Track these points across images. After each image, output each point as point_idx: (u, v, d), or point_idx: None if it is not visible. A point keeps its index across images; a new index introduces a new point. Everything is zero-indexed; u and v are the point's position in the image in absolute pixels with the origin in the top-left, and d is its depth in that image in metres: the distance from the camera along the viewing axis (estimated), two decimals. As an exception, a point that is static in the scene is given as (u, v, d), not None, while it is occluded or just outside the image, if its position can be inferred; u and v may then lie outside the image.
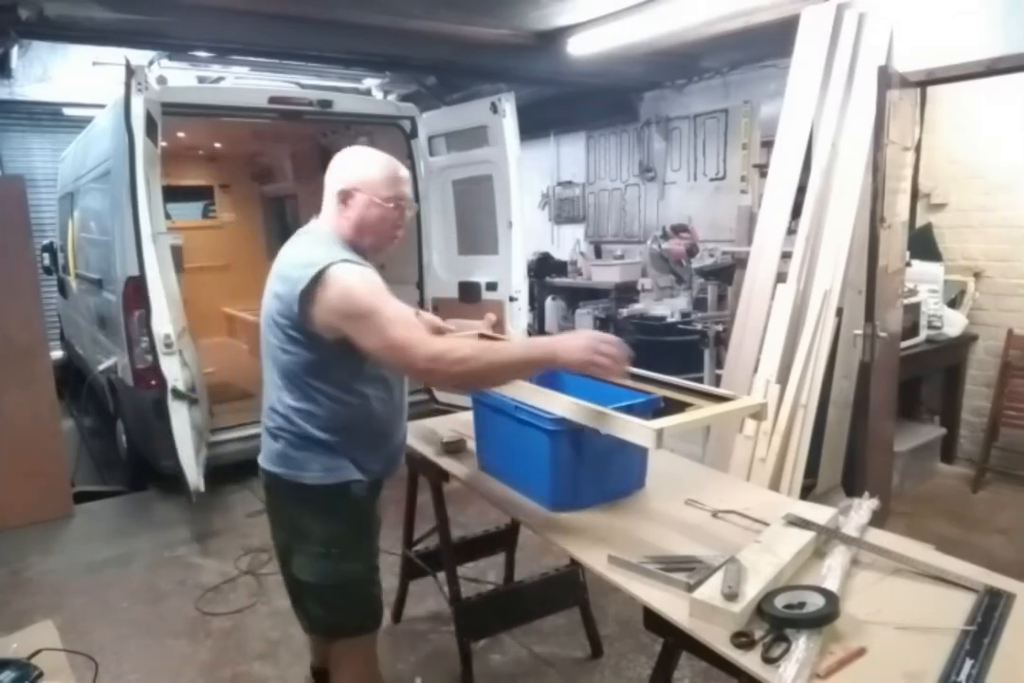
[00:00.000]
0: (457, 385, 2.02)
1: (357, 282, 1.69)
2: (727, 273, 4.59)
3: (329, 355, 1.76)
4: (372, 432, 1.91)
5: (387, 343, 1.64)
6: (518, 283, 4.66)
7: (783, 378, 3.39)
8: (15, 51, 5.40)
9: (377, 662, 2.08)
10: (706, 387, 1.83)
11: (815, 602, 1.37)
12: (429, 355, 1.62)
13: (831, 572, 1.51)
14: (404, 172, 1.91)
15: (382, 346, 1.66)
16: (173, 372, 3.52)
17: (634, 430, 1.62)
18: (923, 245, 4.40)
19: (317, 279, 1.67)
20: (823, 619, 1.33)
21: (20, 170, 6.63)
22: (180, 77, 5.24)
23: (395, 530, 2.86)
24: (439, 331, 2.23)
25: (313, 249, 1.78)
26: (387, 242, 1.91)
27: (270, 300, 1.81)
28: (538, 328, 5.76)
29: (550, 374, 2.25)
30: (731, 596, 1.39)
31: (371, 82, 6.18)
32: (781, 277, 3.53)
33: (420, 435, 2.53)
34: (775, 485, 3.30)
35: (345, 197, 1.84)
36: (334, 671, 2.06)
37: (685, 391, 1.91)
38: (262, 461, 1.94)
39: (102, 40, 4.59)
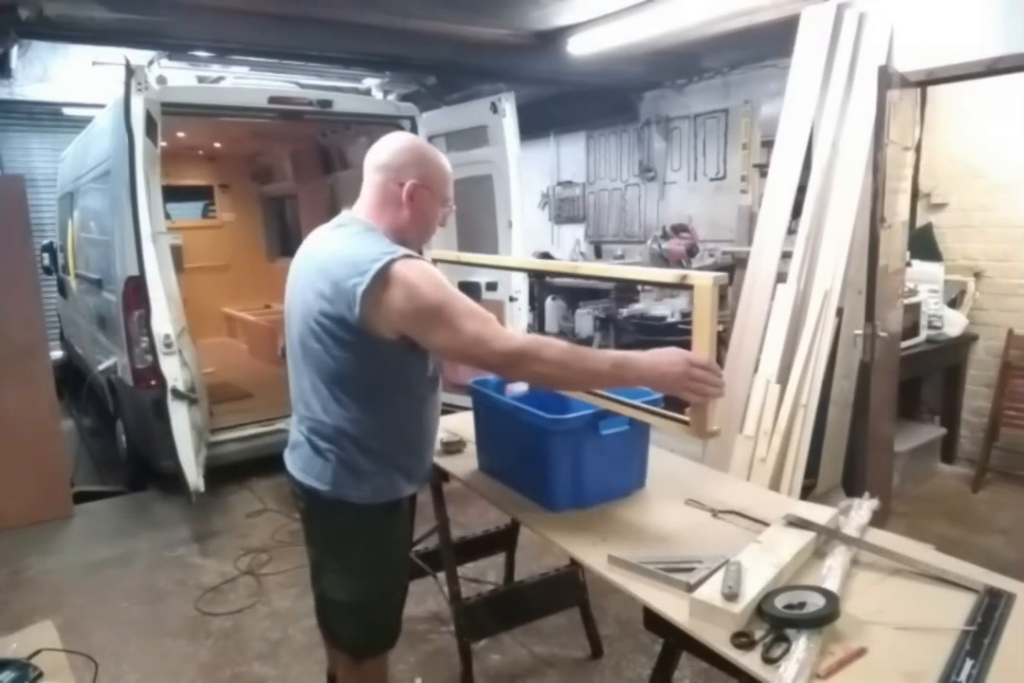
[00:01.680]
0: (532, 383, 1.97)
1: (422, 277, 1.59)
2: (727, 273, 4.58)
3: (388, 357, 1.67)
4: (423, 436, 1.86)
5: (462, 338, 1.56)
6: (518, 283, 4.66)
7: (783, 378, 3.39)
8: (15, 51, 5.41)
9: (387, 677, 2.06)
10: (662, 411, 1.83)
11: (815, 602, 1.37)
12: (509, 350, 1.55)
13: (831, 572, 1.51)
14: (450, 169, 1.88)
15: (456, 342, 1.58)
16: (173, 372, 3.51)
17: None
18: (923, 245, 4.40)
19: (379, 276, 1.56)
20: (823, 619, 1.33)
21: (20, 170, 6.64)
22: (180, 77, 5.24)
23: (395, 530, 2.85)
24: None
25: (363, 244, 1.66)
26: (428, 239, 1.89)
27: (313, 301, 1.67)
28: (538, 328, 5.76)
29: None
30: (731, 596, 1.39)
31: (371, 82, 6.19)
32: (781, 277, 3.53)
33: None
34: (775, 485, 3.30)
35: (413, 191, 1.74)
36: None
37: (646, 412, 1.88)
38: (300, 474, 1.80)
39: (102, 40, 4.59)
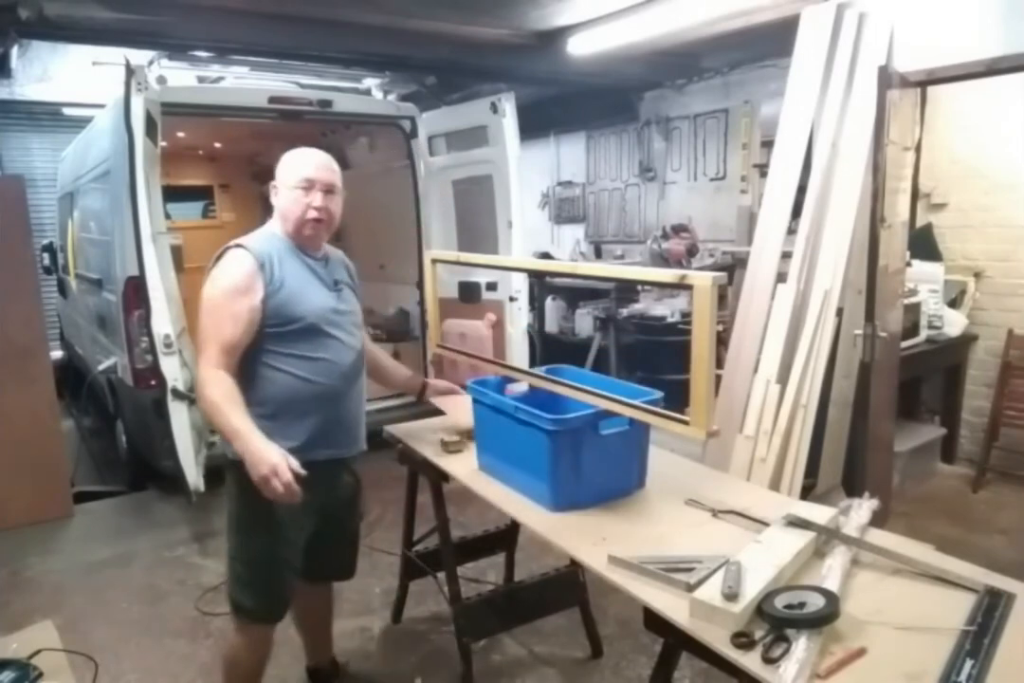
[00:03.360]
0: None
1: (219, 271, 1.96)
2: (727, 273, 4.58)
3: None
4: (287, 403, 2.03)
5: (199, 339, 1.93)
6: (518, 283, 4.65)
7: (783, 378, 3.39)
8: (15, 51, 5.39)
9: (261, 655, 2.20)
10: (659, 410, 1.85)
11: (815, 602, 1.37)
12: (196, 373, 1.91)
13: (831, 572, 1.51)
14: (309, 157, 2.07)
15: (197, 340, 1.94)
16: (173, 372, 3.51)
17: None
18: (923, 245, 4.40)
19: (219, 257, 1.99)
20: (823, 619, 1.33)
21: (20, 170, 6.63)
22: (180, 77, 5.23)
23: (395, 530, 2.86)
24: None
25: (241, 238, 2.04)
26: (308, 226, 2.03)
27: None
28: (538, 328, 5.75)
29: (554, 369, 2.31)
30: (731, 596, 1.39)
31: (371, 82, 6.17)
32: (781, 277, 3.53)
33: (420, 435, 2.53)
34: (775, 485, 3.30)
35: (274, 192, 2.07)
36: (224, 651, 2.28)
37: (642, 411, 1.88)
38: None
39: (102, 40, 4.59)
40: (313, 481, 1.93)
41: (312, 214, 2.01)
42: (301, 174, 2.02)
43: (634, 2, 4.10)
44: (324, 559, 2.28)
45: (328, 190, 2.04)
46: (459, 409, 2.47)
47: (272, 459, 1.76)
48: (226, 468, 2.05)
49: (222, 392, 1.86)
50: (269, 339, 1.97)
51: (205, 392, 1.87)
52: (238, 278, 1.93)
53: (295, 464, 1.78)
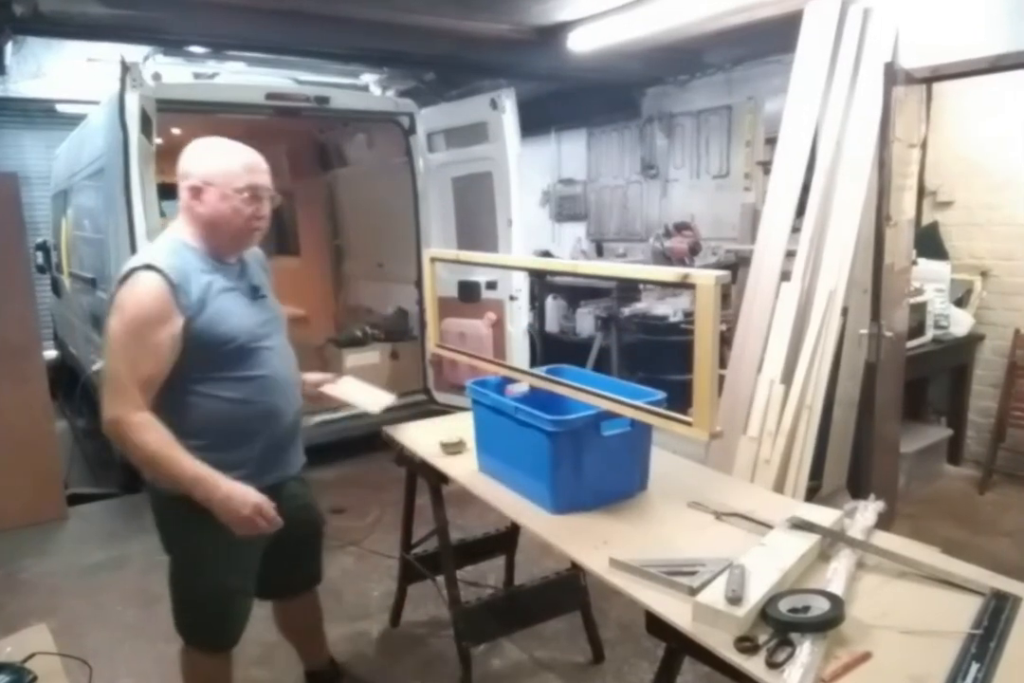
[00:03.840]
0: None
1: (138, 301, 1.70)
2: (730, 271, 4.55)
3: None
4: (190, 429, 1.85)
5: (108, 377, 1.73)
6: (518, 282, 4.63)
7: (788, 378, 3.36)
8: (9, 47, 5.36)
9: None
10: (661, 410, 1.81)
11: (820, 606, 1.36)
12: (114, 416, 1.68)
13: (836, 575, 1.50)
14: (248, 157, 1.84)
15: (105, 377, 1.74)
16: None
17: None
18: (929, 243, 4.37)
19: (119, 284, 1.73)
20: (828, 623, 1.33)
21: (13, 167, 6.56)
22: (175, 73, 5.22)
23: (393, 533, 2.83)
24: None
25: (143, 251, 1.83)
26: (247, 235, 1.86)
27: None
28: (539, 327, 5.72)
29: (555, 369, 2.28)
30: (735, 600, 1.38)
31: (369, 78, 6.16)
32: (785, 276, 3.50)
33: (419, 437, 2.50)
34: (779, 487, 3.27)
35: (196, 193, 1.79)
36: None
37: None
38: None
39: (97, 36, 4.56)
40: None
41: (256, 224, 1.84)
42: (246, 179, 1.79)
43: (635, -3, 4.07)
44: (287, 575, 2.20)
45: (270, 196, 1.86)
46: (352, 390, 2.32)
47: (252, 499, 1.72)
48: (160, 506, 1.94)
49: (158, 439, 1.69)
50: (196, 365, 1.76)
51: (137, 442, 1.68)
52: (151, 307, 1.68)
53: (265, 500, 1.75)
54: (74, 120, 5.61)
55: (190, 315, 1.72)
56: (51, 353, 6.30)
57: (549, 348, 5.50)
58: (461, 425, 2.42)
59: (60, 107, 6.81)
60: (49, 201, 6.69)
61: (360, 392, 2.33)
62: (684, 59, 5.50)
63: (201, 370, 1.78)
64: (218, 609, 1.98)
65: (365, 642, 2.89)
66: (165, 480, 1.78)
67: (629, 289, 5.80)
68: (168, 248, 1.80)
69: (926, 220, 4.47)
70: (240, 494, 1.72)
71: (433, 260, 2.68)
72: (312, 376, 2.25)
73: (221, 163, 1.79)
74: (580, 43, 4.68)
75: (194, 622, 2.00)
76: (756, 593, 1.40)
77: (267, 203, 1.85)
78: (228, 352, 1.79)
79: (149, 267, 1.70)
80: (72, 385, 5.28)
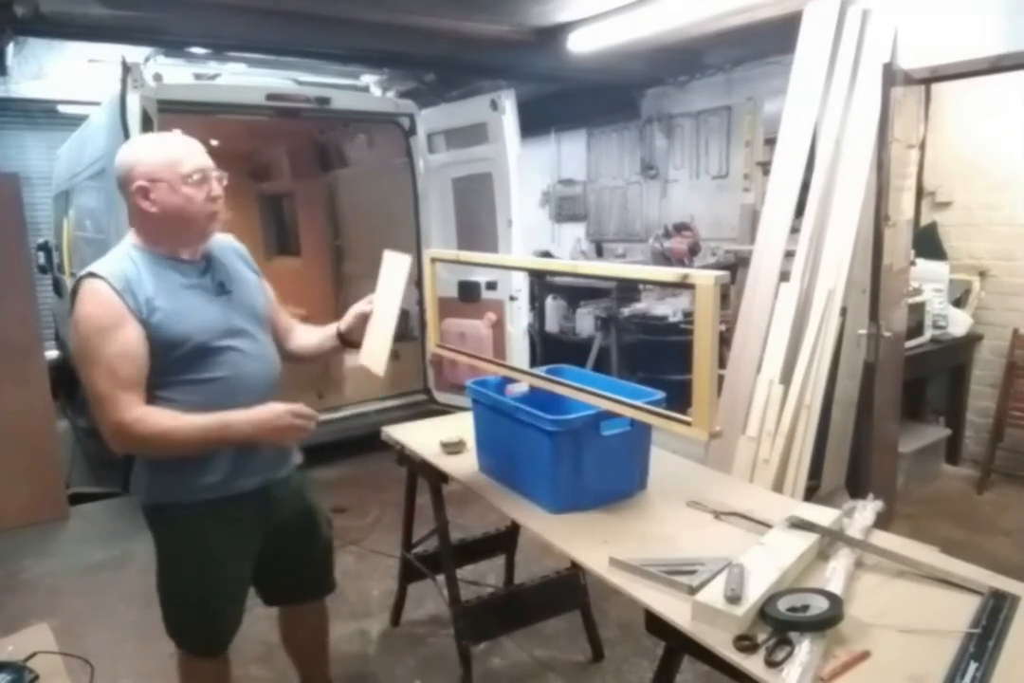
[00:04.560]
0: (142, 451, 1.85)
1: (86, 312, 1.66)
2: (730, 272, 4.56)
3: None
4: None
5: (92, 394, 1.67)
6: (518, 282, 4.63)
7: (787, 378, 3.36)
8: (10, 48, 5.36)
9: None
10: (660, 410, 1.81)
11: (819, 605, 1.36)
12: (111, 425, 1.65)
13: (835, 575, 1.50)
14: (182, 143, 1.77)
15: (90, 395, 1.68)
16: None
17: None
18: (928, 244, 4.37)
19: (71, 297, 1.70)
20: (827, 622, 1.32)
21: (15, 168, 6.56)
22: (176, 74, 5.22)
23: (394, 533, 2.84)
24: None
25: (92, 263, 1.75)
26: (206, 221, 1.77)
27: None
28: (539, 327, 5.73)
29: (554, 369, 2.27)
30: (734, 599, 1.38)
31: (369, 78, 6.16)
32: (784, 276, 3.50)
33: (419, 436, 2.50)
34: (778, 486, 3.28)
35: (145, 193, 1.71)
36: None
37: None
38: None
39: (98, 37, 4.56)
40: (249, 512, 1.89)
41: (213, 207, 1.76)
42: (190, 164, 1.71)
43: (635, -2, 4.07)
44: (292, 581, 2.15)
45: (217, 177, 1.77)
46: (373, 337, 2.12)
47: (280, 408, 1.69)
48: (144, 513, 1.92)
49: (159, 419, 1.67)
50: (155, 368, 1.71)
51: (145, 434, 1.65)
52: (99, 314, 1.65)
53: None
54: (75, 121, 5.61)
55: (141, 318, 1.68)
56: (52, 353, 6.29)
57: (549, 348, 5.52)
58: (461, 425, 2.42)
59: (61, 108, 6.80)
60: (51, 202, 6.68)
61: (376, 343, 2.10)
62: (684, 60, 5.50)
63: (161, 373, 1.73)
64: (201, 615, 1.94)
65: (366, 641, 2.90)
66: (198, 448, 1.74)
67: (629, 289, 5.80)
68: (114, 255, 1.76)
69: (925, 220, 4.48)
70: (263, 414, 1.69)
71: (433, 260, 2.68)
72: (350, 312, 2.11)
73: (159, 156, 1.72)
74: (580, 44, 4.69)
75: (180, 625, 1.97)
76: (755, 592, 1.40)
77: (216, 183, 1.77)
78: (185, 353, 1.73)
79: (92, 275, 1.68)
80: (74, 385, 5.28)
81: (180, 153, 1.73)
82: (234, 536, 1.89)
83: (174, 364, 1.73)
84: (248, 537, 1.91)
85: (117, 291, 1.66)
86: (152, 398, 1.73)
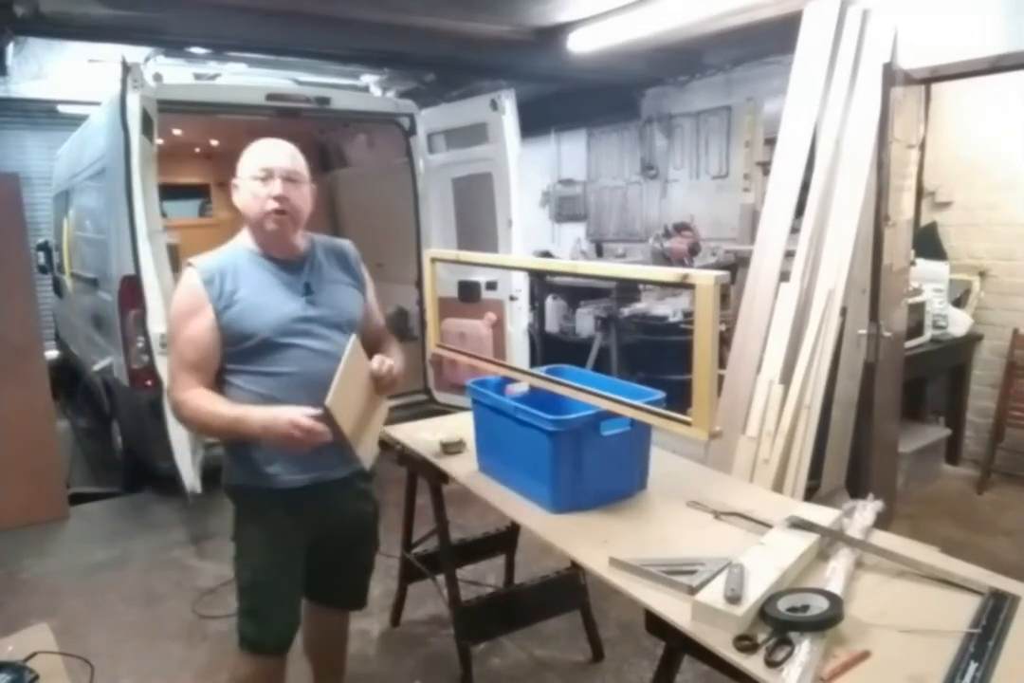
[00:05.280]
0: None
1: (176, 297, 1.87)
2: (730, 272, 4.56)
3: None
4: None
5: (169, 367, 1.87)
6: (518, 282, 4.63)
7: (787, 378, 3.36)
8: (10, 48, 5.36)
9: None
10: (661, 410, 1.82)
11: (819, 605, 1.36)
12: (172, 401, 1.84)
13: (835, 574, 1.50)
14: (267, 145, 1.88)
15: (168, 367, 1.88)
16: (169, 372, 3.48)
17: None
18: (928, 244, 4.37)
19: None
20: (827, 622, 1.32)
21: (15, 168, 6.56)
22: (176, 74, 5.21)
23: (394, 532, 2.84)
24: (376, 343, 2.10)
25: None
26: (270, 219, 1.82)
27: None
28: (539, 327, 5.73)
29: (554, 369, 2.28)
30: (734, 599, 1.38)
31: (369, 78, 6.15)
32: (784, 276, 3.50)
33: (419, 436, 2.50)
34: (778, 486, 3.27)
35: (234, 190, 1.90)
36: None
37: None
38: None
39: (98, 37, 4.56)
40: (301, 506, 1.91)
41: (272, 205, 1.80)
42: (258, 163, 1.83)
43: (635, -2, 4.07)
44: (327, 584, 2.15)
45: (289, 178, 1.83)
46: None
47: (284, 415, 1.70)
48: (227, 494, 2.01)
49: (199, 402, 1.78)
50: (228, 357, 1.85)
51: (188, 414, 1.80)
52: (184, 300, 1.83)
53: (308, 410, 1.71)
54: (75, 121, 5.60)
55: (219, 308, 1.80)
56: (52, 353, 6.30)
57: (549, 348, 5.51)
58: (461, 425, 2.42)
59: (61, 108, 6.81)
60: (51, 202, 6.68)
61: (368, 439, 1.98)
62: (684, 60, 5.50)
63: (233, 362, 1.85)
64: (258, 600, 1.96)
65: (366, 641, 2.89)
66: (225, 436, 1.88)
67: (629, 289, 5.80)
68: (223, 247, 1.92)
69: (925, 220, 4.48)
70: (271, 417, 1.71)
71: (433, 260, 2.68)
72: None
73: (245, 157, 1.87)
74: (580, 44, 4.69)
75: (241, 612, 2.00)
76: (755, 592, 1.40)
77: (281, 182, 1.81)
78: (254, 345, 1.83)
79: (189, 264, 1.86)
80: (74, 385, 5.29)
81: (259, 153, 1.86)
82: (290, 526, 1.94)
83: (243, 355, 1.84)
84: (297, 529, 1.95)
85: (203, 279, 1.81)
86: (223, 383, 1.87)
